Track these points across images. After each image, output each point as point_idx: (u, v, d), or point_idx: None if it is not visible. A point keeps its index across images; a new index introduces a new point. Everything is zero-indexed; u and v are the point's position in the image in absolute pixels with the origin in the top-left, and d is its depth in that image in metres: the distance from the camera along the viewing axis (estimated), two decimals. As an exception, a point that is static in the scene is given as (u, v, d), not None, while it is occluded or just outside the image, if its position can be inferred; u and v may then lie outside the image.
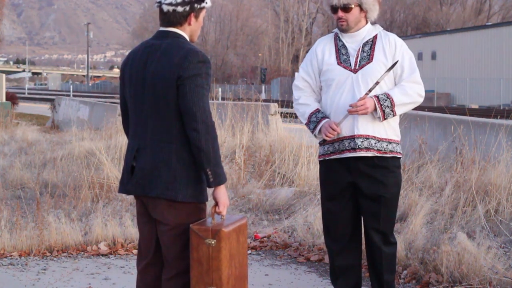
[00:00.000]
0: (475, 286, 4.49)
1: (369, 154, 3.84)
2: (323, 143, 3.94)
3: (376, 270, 4.00)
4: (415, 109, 8.29)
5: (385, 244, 3.95)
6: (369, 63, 3.85)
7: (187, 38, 3.28)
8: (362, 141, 3.84)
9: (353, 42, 3.92)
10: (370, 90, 3.79)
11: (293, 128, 11.97)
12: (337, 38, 3.98)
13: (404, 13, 69.42)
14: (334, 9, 3.89)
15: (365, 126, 3.84)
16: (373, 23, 3.99)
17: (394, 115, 3.81)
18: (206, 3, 3.28)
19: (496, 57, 42.90)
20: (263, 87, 51.78)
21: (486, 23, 54.89)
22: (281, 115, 12.54)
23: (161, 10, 3.26)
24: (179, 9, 3.22)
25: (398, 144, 3.95)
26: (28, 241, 5.80)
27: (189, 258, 3.19)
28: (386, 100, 3.78)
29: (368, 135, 3.84)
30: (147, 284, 3.38)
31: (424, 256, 5.05)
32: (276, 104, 12.59)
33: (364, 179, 3.88)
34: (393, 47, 3.88)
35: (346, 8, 3.85)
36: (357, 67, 3.87)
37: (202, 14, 3.31)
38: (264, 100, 17.46)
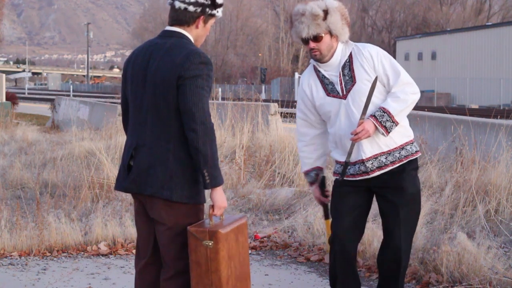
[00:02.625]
0: (475, 286, 4.49)
1: (384, 170, 3.82)
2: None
3: (389, 274, 3.97)
4: (415, 109, 8.31)
5: (404, 248, 3.92)
6: (354, 85, 3.81)
7: (192, 40, 3.29)
8: (372, 163, 3.81)
9: (331, 70, 3.87)
10: (363, 114, 3.78)
11: (293, 128, 11.97)
12: (317, 70, 3.93)
13: (404, 13, 69.39)
14: (305, 41, 3.83)
15: (370, 147, 3.81)
16: (344, 42, 3.91)
17: (397, 124, 3.77)
18: (218, 12, 3.30)
19: (496, 57, 42.89)
20: (263, 87, 51.77)
21: (486, 23, 54.88)
22: (281, 115, 12.55)
23: (172, 7, 3.27)
24: (191, 8, 3.23)
25: (412, 143, 3.90)
26: (28, 241, 5.81)
27: (187, 259, 3.19)
28: (383, 115, 3.74)
29: (375, 154, 3.81)
30: (146, 284, 3.37)
31: (424, 256, 5.05)
32: (276, 104, 12.59)
33: (381, 185, 3.86)
34: (370, 60, 3.81)
35: (317, 38, 3.79)
36: (345, 93, 3.83)
37: (211, 22, 3.33)
38: (264, 100, 17.47)
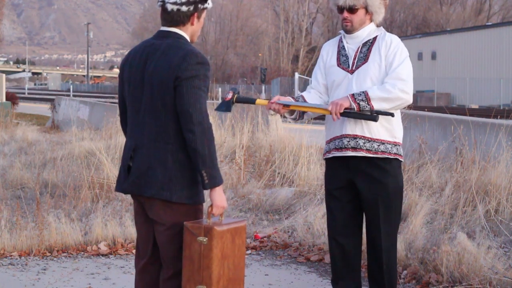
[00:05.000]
0: (475, 286, 4.49)
1: (357, 154, 3.86)
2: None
3: (376, 274, 3.99)
4: (415, 109, 8.29)
5: (385, 250, 3.93)
6: (364, 63, 3.89)
7: (188, 38, 3.29)
8: (348, 141, 3.87)
9: (352, 43, 3.97)
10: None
11: (293, 128, 11.97)
12: (340, 40, 4.04)
13: (404, 13, 69.43)
14: (340, 9, 3.93)
15: (353, 126, 3.86)
16: (378, 26, 4.00)
17: (371, 108, 3.79)
18: (208, 4, 3.31)
19: (496, 57, 42.89)
20: (263, 87, 51.74)
21: (486, 23, 54.87)
22: (281, 115, 12.51)
23: (164, 9, 3.26)
24: (183, 8, 3.23)
25: (396, 145, 3.91)
26: (28, 241, 5.80)
27: None
28: (360, 94, 3.79)
29: (356, 135, 3.86)
30: (146, 284, 3.37)
31: (424, 256, 5.05)
32: (276, 104, 12.54)
33: (361, 178, 3.89)
34: (388, 45, 3.89)
35: (352, 9, 3.89)
36: (353, 68, 3.91)
37: (204, 14, 3.33)
38: (264, 100, 17.43)
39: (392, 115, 3.81)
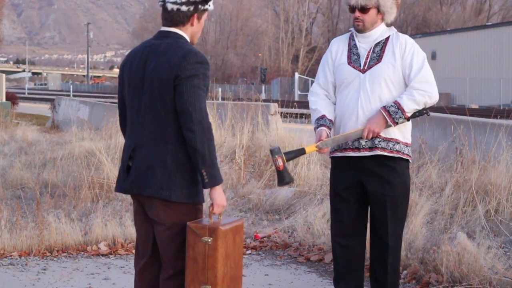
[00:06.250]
0: (475, 286, 4.49)
1: (373, 153, 3.85)
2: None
3: (378, 274, 3.99)
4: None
5: (391, 249, 3.93)
6: (377, 63, 3.88)
7: (188, 39, 3.29)
8: (366, 141, 3.85)
9: (365, 43, 3.95)
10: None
11: (293, 128, 11.98)
12: (351, 38, 4.02)
13: (404, 13, 69.37)
14: (352, 9, 3.93)
15: None
16: (388, 25, 4.00)
17: (408, 119, 3.85)
18: (209, 6, 3.31)
19: (496, 57, 42.88)
20: (263, 87, 51.80)
21: (486, 23, 54.87)
22: (281, 115, 12.55)
23: (164, 9, 3.27)
24: (183, 8, 3.23)
25: (407, 146, 3.93)
26: (28, 241, 5.81)
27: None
28: (397, 112, 3.79)
29: None
30: (146, 284, 3.37)
31: (424, 256, 5.05)
32: (276, 104, 12.59)
33: (369, 177, 3.88)
34: (403, 47, 3.89)
35: (364, 9, 3.89)
36: (365, 68, 3.89)
37: (204, 16, 3.33)
38: (264, 100, 17.48)
39: (426, 112, 3.87)
